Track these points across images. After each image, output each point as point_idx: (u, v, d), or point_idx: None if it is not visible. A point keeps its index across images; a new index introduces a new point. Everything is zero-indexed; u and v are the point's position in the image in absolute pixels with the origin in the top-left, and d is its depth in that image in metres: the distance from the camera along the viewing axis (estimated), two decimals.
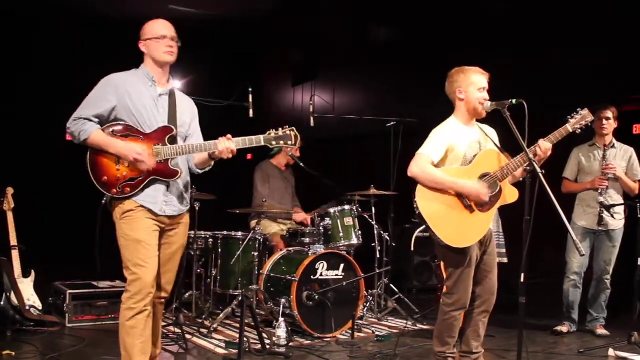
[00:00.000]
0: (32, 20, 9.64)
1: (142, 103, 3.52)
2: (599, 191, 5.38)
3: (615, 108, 5.49)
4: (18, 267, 5.22)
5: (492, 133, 4.03)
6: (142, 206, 3.47)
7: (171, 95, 3.66)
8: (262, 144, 3.55)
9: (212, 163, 3.72)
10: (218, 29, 10.46)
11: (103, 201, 3.60)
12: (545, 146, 3.76)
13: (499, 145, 3.97)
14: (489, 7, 7.74)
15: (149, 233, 3.48)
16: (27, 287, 5.20)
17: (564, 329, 5.56)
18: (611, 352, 4.88)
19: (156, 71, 3.60)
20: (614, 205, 5.36)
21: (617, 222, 5.46)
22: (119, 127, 3.47)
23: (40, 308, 5.20)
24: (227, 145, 3.49)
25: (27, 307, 5.08)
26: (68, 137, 3.55)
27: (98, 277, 5.74)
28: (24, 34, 9.72)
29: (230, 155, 3.53)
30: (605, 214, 5.39)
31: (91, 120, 3.44)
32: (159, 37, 3.56)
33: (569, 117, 3.88)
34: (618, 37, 6.83)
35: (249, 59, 11.66)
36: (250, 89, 5.53)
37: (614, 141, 5.54)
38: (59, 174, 10.12)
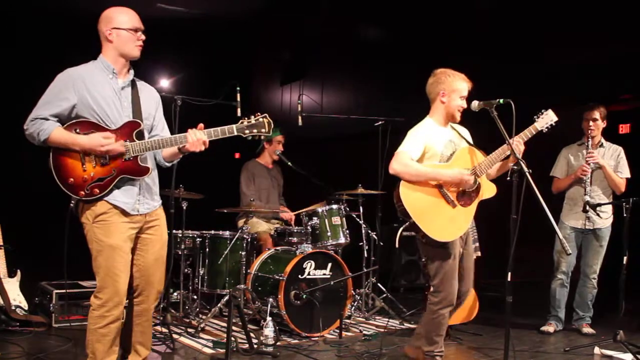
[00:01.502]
0: (11, 20, 9.56)
1: (103, 98, 3.32)
2: (584, 185, 5.39)
3: (603, 107, 5.51)
4: (4, 266, 5.19)
5: (466, 132, 4.14)
6: (114, 207, 3.32)
7: (133, 85, 3.46)
8: (235, 133, 3.40)
9: (181, 156, 3.56)
10: (206, 27, 10.43)
11: (71, 204, 3.40)
12: (520, 148, 3.84)
13: (472, 143, 4.05)
14: (478, 6, 7.77)
15: (124, 239, 3.34)
16: (12, 287, 5.16)
17: (550, 328, 5.59)
18: (597, 350, 4.92)
19: (118, 62, 3.39)
20: (600, 204, 5.39)
21: (603, 221, 5.49)
22: (82, 125, 3.28)
23: (26, 308, 5.17)
24: (198, 136, 3.34)
25: (13, 307, 5.05)
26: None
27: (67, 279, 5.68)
28: (4, 31, 9.63)
29: (203, 148, 3.37)
30: (591, 212, 5.42)
31: (49, 120, 3.26)
32: (133, 29, 3.37)
33: (535, 117, 3.97)
34: (608, 37, 6.87)
35: (238, 57, 11.64)
36: (238, 88, 5.52)
37: (603, 140, 5.57)
38: (45, 172, 10.07)
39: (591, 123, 5.46)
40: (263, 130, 3.45)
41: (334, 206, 5.74)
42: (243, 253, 5.47)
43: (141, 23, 3.42)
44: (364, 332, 5.40)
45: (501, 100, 3.75)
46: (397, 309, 6.09)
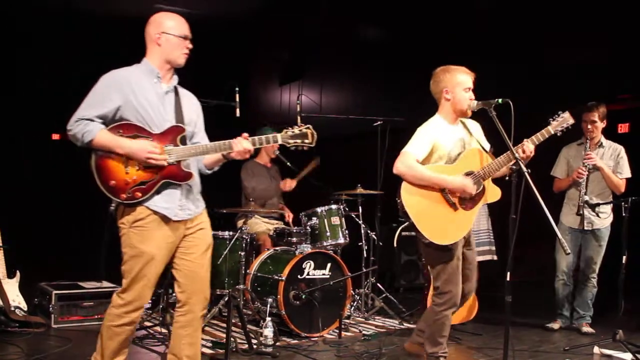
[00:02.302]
0: (15, 20, 9.55)
1: (148, 101, 3.27)
2: (580, 187, 5.39)
3: (603, 107, 5.47)
4: (3, 267, 5.18)
5: (476, 128, 4.07)
6: (154, 212, 3.25)
7: (176, 91, 3.44)
8: (280, 142, 3.40)
9: (223, 162, 3.54)
10: (205, 27, 10.39)
11: (111, 207, 3.33)
12: (529, 147, 3.79)
13: (483, 140, 4.01)
14: (477, 6, 7.77)
15: (159, 246, 3.28)
16: (12, 288, 5.16)
17: (555, 325, 5.64)
18: (596, 349, 4.92)
19: (163, 67, 3.37)
20: (598, 204, 5.39)
21: (603, 221, 5.49)
22: (126, 128, 3.22)
23: (26, 309, 5.16)
24: (244, 145, 3.32)
25: (12, 308, 5.04)
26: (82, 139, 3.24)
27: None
28: (4, 31, 9.63)
29: (247, 156, 3.38)
30: (588, 213, 5.41)
31: (94, 121, 3.19)
32: (182, 36, 3.36)
33: (550, 119, 3.93)
34: (607, 37, 6.88)
35: (236, 57, 11.64)
36: (236, 88, 5.51)
37: (603, 140, 5.55)
38: (44, 173, 10.08)
39: (589, 125, 5.44)
40: (306, 141, 3.44)
41: (333, 206, 5.74)
42: (242, 253, 5.47)
43: (189, 31, 3.41)
44: (364, 332, 5.40)
45: (500, 100, 3.71)
46: (396, 309, 6.08)
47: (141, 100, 3.26)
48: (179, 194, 3.33)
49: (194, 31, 3.43)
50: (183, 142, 3.33)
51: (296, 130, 3.42)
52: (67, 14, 9.33)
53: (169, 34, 3.34)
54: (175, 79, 3.46)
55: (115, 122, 3.25)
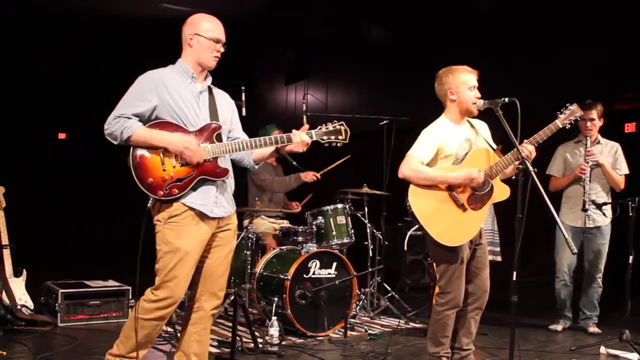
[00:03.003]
0: (21, 20, 9.59)
1: (183, 100, 3.34)
2: (583, 184, 5.35)
3: (601, 106, 5.44)
4: (9, 266, 5.20)
5: (483, 128, 4.06)
6: (190, 209, 3.29)
7: (210, 91, 3.50)
8: (314, 138, 3.45)
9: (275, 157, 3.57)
10: None
11: (148, 204, 3.31)
12: (528, 148, 3.78)
13: (490, 140, 4.00)
14: (480, 5, 7.76)
15: (193, 243, 3.31)
16: (18, 287, 5.17)
17: (558, 327, 5.60)
18: (602, 349, 4.90)
19: (196, 68, 3.43)
20: (605, 204, 5.37)
21: (605, 219, 5.46)
22: (163, 126, 3.29)
23: (32, 307, 5.18)
24: (303, 138, 3.39)
25: (19, 307, 5.05)
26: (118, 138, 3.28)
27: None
28: (19, 34, 9.67)
29: (305, 149, 3.43)
30: (593, 211, 5.39)
31: (131, 119, 3.26)
32: (215, 40, 3.40)
33: (558, 112, 3.92)
34: (612, 36, 6.85)
35: (242, 57, 11.65)
36: (242, 87, 5.51)
37: (599, 138, 5.53)
38: (50, 172, 10.11)
39: (588, 123, 5.41)
40: (340, 137, 3.49)
41: (339, 205, 5.73)
42: (248, 252, 5.47)
43: (224, 35, 3.45)
44: (369, 331, 5.39)
45: (506, 99, 3.70)
46: (402, 308, 6.08)
47: (177, 99, 3.33)
48: (214, 190, 3.38)
49: None
50: (219, 139, 3.38)
51: (330, 127, 3.48)
52: (67, 14, 9.36)
53: (201, 36, 3.39)
54: (210, 78, 3.52)
55: (151, 121, 3.32)
